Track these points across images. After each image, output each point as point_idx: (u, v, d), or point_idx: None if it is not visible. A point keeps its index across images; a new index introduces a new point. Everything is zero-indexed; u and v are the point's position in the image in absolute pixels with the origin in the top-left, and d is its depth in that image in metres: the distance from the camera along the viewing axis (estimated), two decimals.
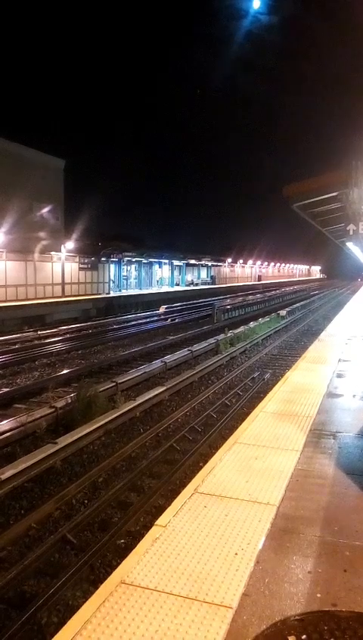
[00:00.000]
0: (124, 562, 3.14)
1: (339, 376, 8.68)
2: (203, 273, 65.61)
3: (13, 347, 18.74)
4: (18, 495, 6.78)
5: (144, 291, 44.09)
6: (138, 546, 3.32)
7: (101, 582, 5.19)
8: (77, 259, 35.09)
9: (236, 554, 3.23)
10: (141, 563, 3.11)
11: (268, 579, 2.98)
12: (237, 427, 9.07)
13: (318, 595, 2.83)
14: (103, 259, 37.86)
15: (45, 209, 31.02)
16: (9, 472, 6.87)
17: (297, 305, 36.23)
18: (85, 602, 4.92)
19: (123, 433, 9.32)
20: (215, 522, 3.62)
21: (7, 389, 12.06)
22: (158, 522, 3.63)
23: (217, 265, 67.18)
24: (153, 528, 3.54)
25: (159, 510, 6.58)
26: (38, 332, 22.50)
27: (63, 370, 14.66)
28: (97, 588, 5.12)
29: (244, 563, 3.13)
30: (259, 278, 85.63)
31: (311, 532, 3.53)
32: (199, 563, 3.12)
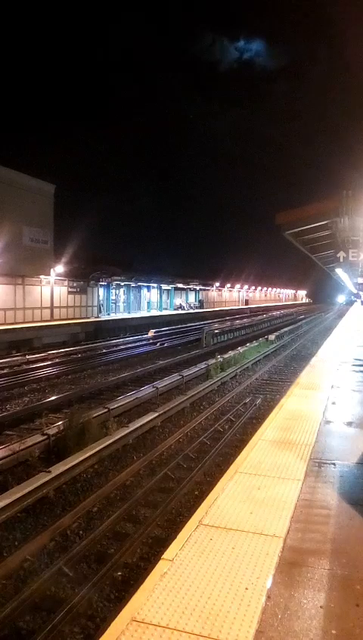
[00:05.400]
0: (133, 598, 3.06)
1: (334, 403, 8.70)
2: (191, 297, 65.86)
3: (2, 372, 18.52)
4: (12, 526, 6.62)
5: (133, 315, 44.06)
6: (146, 581, 3.25)
7: (99, 617, 5.11)
8: (66, 283, 35.08)
9: (246, 588, 3.18)
10: (150, 600, 3.04)
11: (281, 615, 2.93)
12: (231, 455, 9.05)
13: (333, 632, 2.79)
14: (92, 282, 37.89)
15: (35, 234, 31.08)
16: (1, 502, 6.71)
17: (285, 329, 36.41)
18: (83, 638, 4.84)
19: (117, 461, 9.20)
20: (223, 555, 3.57)
21: None
22: (165, 556, 3.56)
23: (205, 289, 67.52)
24: (160, 562, 3.47)
25: (156, 540, 6.48)
26: (27, 356, 22.29)
27: (53, 395, 14.50)
28: (95, 623, 5.04)
29: (255, 599, 3.07)
30: (246, 302, 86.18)
31: (320, 564, 3.49)
32: (210, 599, 3.06)
